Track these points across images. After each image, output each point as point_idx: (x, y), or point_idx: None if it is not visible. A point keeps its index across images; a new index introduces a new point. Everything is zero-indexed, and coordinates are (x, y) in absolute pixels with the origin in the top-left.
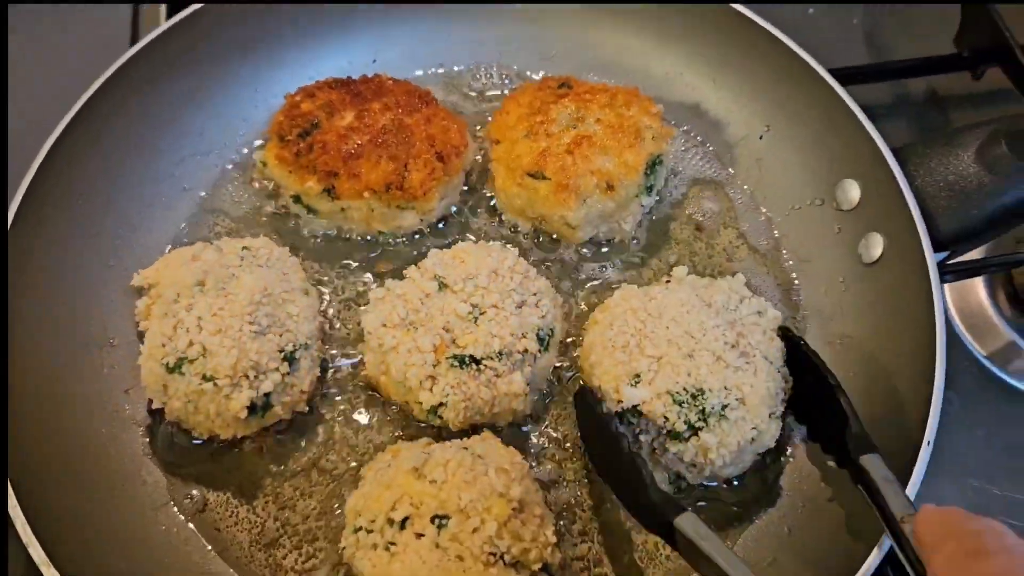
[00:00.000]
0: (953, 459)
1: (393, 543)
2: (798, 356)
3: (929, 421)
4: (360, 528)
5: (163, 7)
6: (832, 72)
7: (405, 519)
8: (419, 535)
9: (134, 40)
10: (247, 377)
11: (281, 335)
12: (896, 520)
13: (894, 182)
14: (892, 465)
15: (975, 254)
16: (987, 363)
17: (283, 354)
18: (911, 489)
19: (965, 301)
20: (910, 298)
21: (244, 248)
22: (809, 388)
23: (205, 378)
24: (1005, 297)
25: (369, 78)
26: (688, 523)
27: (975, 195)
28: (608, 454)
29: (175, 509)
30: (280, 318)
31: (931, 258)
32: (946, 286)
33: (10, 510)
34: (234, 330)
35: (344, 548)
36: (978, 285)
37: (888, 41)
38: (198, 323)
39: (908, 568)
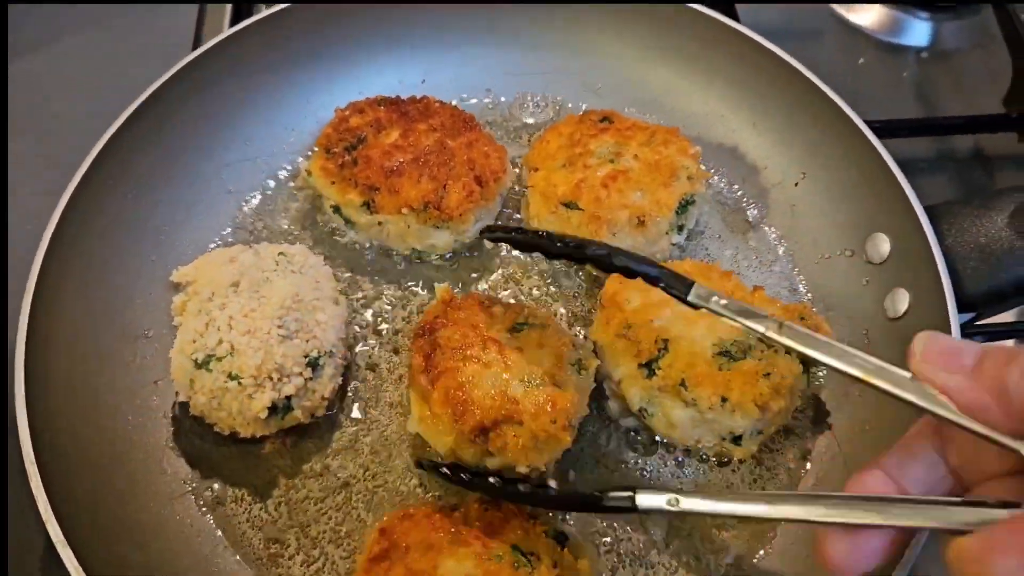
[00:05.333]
0: None
1: None
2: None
3: None
4: None
5: (227, 13)
6: (876, 124)
7: None
8: None
9: (196, 46)
10: (271, 379)
11: (307, 341)
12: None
13: (924, 240)
14: None
15: (1006, 317)
16: None
17: (308, 360)
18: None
19: None
20: None
21: (280, 254)
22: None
23: (230, 376)
24: None
25: (417, 99)
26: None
27: (1005, 259)
28: None
29: (192, 500)
30: (308, 324)
31: (955, 318)
32: None
33: (32, 488)
34: (263, 332)
35: None
36: None
37: (937, 96)
38: (229, 322)
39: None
